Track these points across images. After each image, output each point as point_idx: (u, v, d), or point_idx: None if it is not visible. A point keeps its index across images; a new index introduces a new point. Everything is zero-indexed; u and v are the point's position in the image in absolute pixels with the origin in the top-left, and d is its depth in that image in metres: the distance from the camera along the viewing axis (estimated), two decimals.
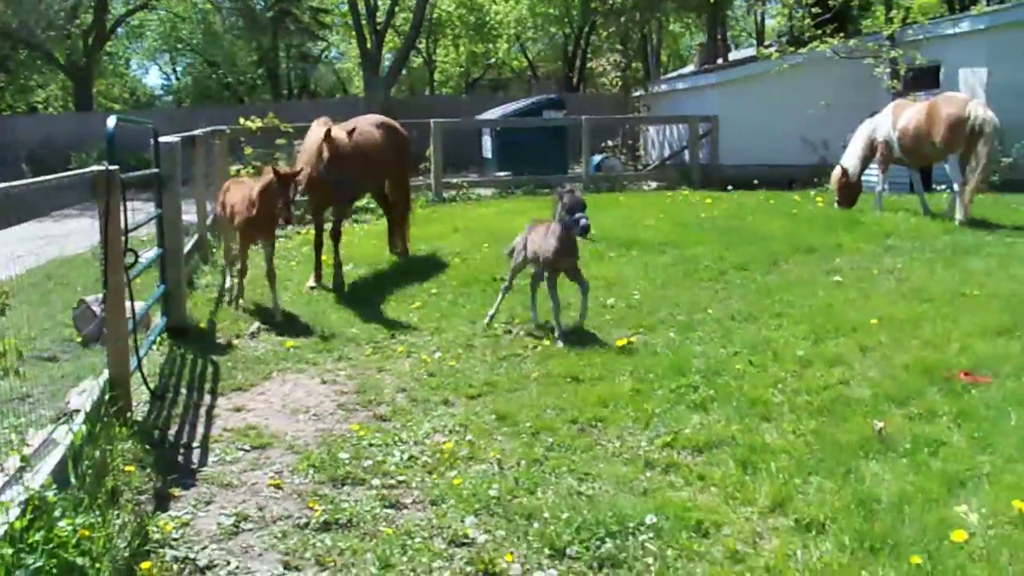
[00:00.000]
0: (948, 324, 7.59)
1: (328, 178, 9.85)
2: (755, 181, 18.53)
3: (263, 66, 44.87)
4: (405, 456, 5.51)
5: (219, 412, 6.44)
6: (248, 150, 17.56)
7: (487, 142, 23.00)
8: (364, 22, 34.76)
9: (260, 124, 17.01)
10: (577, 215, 7.50)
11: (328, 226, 10.68)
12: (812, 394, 6.21)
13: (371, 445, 5.68)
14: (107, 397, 5.66)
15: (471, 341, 8.09)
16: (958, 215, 12.45)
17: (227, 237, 10.09)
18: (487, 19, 45.46)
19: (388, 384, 6.97)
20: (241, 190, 9.32)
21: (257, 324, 8.70)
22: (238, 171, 16.35)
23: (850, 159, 14.05)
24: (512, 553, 4.30)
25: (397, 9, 37.60)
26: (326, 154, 9.80)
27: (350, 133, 10.31)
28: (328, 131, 9.86)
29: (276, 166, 9.02)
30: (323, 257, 10.66)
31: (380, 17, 36.11)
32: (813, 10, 21.04)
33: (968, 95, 15.01)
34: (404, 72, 43.39)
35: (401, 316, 9.04)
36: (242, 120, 17.01)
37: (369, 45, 34.61)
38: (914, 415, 5.79)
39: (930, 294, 8.61)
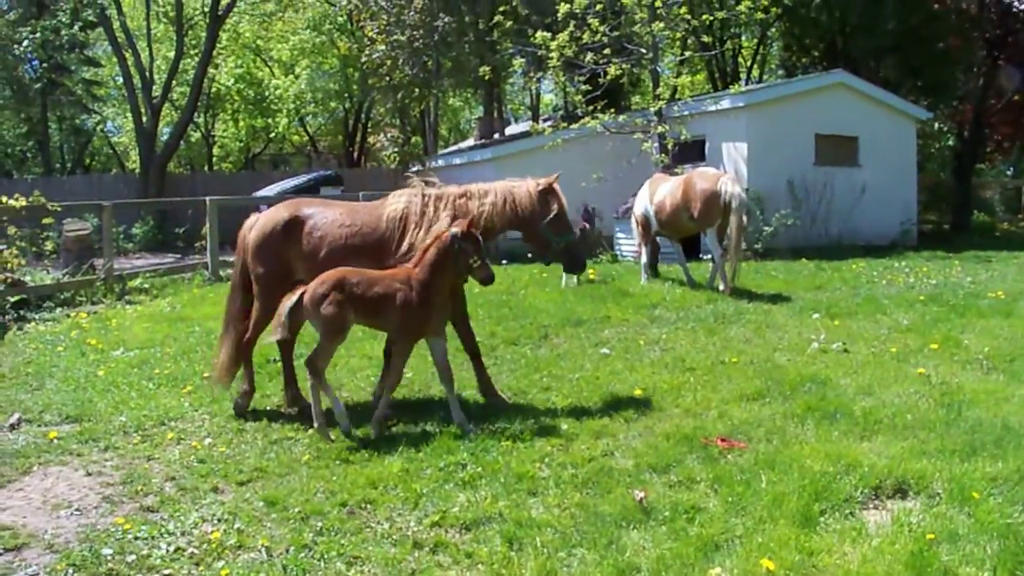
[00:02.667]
0: (708, 392, 7.92)
1: (555, 242, 8.34)
2: (529, 255, 18.95)
3: (33, 139, 42.75)
4: (172, 548, 5.32)
5: None
6: (13, 230, 16.65)
7: None
8: (139, 96, 33.92)
9: (24, 203, 16.07)
10: None
11: None
12: (577, 467, 6.35)
13: (136, 538, 5.45)
14: None
15: (243, 426, 7.88)
16: (720, 285, 13.05)
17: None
18: (266, 94, 45.01)
19: (157, 473, 6.69)
20: (366, 275, 7.36)
21: (17, 415, 8.12)
22: (1, 251, 15.44)
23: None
24: None
25: (174, 83, 36.80)
26: (554, 208, 8.29)
27: None
28: (553, 181, 8.37)
29: (458, 221, 7.44)
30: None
31: (156, 91, 35.30)
32: (584, 87, 21.72)
33: (721, 171, 15.89)
34: (183, 147, 42.35)
35: (172, 401, 8.68)
36: (4, 198, 16.07)
37: (145, 120, 33.82)
38: (674, 483, 6.01)
39: (692, 363, 8.97)
